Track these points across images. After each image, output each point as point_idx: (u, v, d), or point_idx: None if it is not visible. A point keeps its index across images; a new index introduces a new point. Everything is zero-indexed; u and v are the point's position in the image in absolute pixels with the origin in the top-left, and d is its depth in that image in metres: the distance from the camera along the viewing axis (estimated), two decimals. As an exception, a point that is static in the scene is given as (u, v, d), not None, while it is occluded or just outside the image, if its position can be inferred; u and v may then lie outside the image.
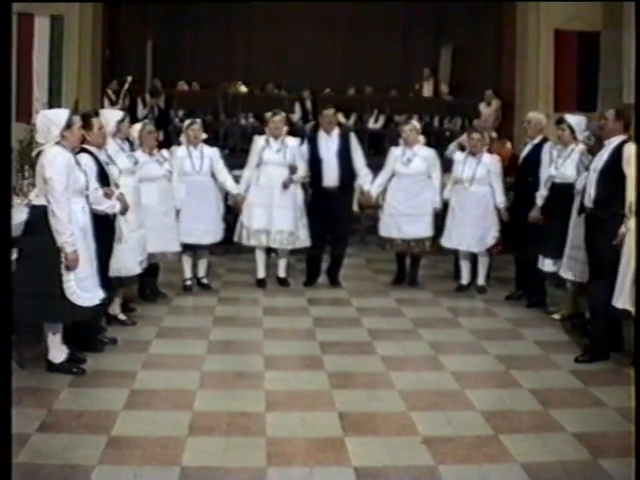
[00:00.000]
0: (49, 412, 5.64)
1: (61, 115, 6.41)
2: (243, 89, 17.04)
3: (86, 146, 6.79)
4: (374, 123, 16.64)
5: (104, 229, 6.77)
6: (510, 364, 7.00)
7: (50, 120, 6.32)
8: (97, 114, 7.36)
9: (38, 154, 6.28)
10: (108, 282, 6.87)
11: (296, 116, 16.14)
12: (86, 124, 6.67)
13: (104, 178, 6.87)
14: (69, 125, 6.29)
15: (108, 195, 6.78)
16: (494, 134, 10.12)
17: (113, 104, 15.42)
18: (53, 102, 13.67)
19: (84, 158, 6.64)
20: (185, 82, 17.02)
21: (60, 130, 6.23)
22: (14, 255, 5.99)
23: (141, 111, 15.80)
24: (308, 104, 16.51)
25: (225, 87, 16.76)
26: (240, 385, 6.37)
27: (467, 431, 5.49)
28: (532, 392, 6.28)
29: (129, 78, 15.87)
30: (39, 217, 6.14)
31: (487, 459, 5.05)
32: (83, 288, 6.24)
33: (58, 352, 6.42)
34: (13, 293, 5.81)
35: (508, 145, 9.73)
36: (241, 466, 4.86)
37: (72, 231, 6.11)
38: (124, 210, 7.03)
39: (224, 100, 16.04)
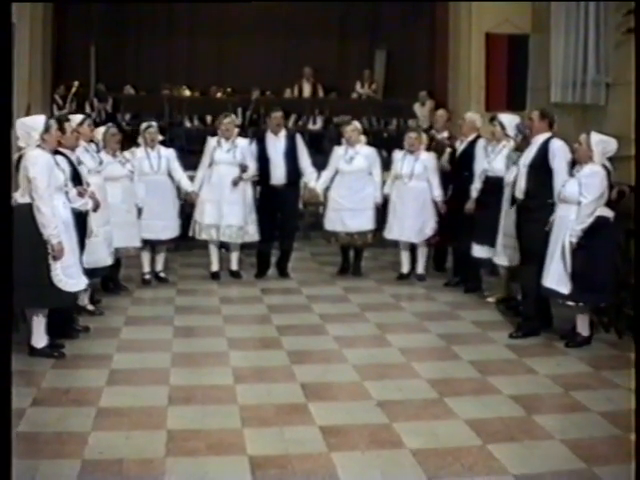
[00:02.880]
0: (38, 390, 6.22)
1: (38, 121, 7.04)
2: (187, 93, 17.50)
3: (59, 148, 7.34)
4: (313, 124, 17.20)
5: (77, 225, 7.33)
6: (450, 340, 7.74)
7: (29, 126, 6.95)
8: (68, 119, 7.87)
9: (20, 157, 6.86)
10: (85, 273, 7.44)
11: (238, 120, 16.59)
12: (60, 128, 7.23)
13: (76, 178, 7.44)
14: (47, 129, 6.90)
15: (81, 194, 7.37)
16: (445, 134, 10.78)
17: (60, 109, 15.77)
18: (4, 107, 14.02)
19: (58, 159, 7.20)
20: (131, 86, 17.39)
21: (40, 134, 6.83)
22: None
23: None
24: (251, 107, 16.96)
25: (169, 91, 17.17)
26: (208, 363, 7.02)
27: (415, 395, 6.24)
28: (471, 363, 7.03)
29: (76, 83, 16.24)
30: (25, 213, 6.71)
31: (434, 417, 5.80)
32: (68, 275, 6.86)
33: (40, 337, 6.99)
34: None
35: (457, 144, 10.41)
36: (220, 428, 5.51)
37: (56, 224, 6.71)
38: (96, 207, 7.63)
39: (169, 104, 16.47)
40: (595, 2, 12.24)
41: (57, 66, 16.74)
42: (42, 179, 6.70)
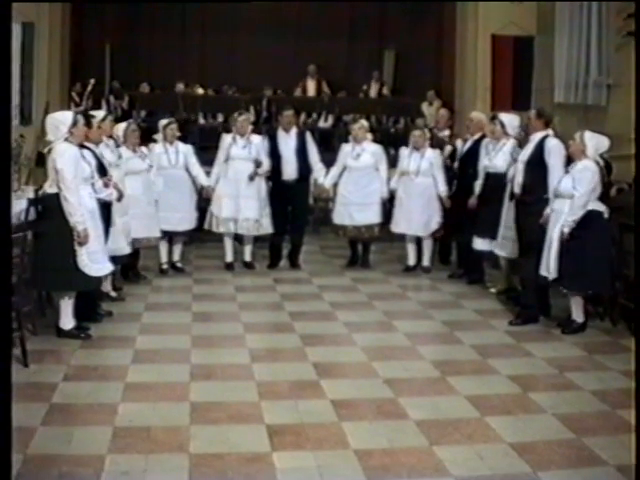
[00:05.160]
0: (68, 367, 6.68)
1: (67, 116, 7.49)
2: (200, 91, 17.92)
3: (85, 143, 7.79)
4: (324, 122, 17.58)
5: (102, 215, 7.78)
6: (453, 327, 8.20)
7: (58, 120, 7.40)
8: (94, 115, 8.33)
9: (49, 150, 7.33)
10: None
11: (251, 117, 16.97)
12: (87, 123, 7.69)
13: (102, 170, 7.89)
14: (75, 123, 7.35)
15: (107, 184, 7.83)
16: (447, 132, 11.24)
17: (77, 106, 16.17)
18: (24, 104, 14.49)
19: (85, 153, 7.65)
20: (147, 84, 17.83)
21: (68, 128, 7.29)
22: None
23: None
24: (263, 105, 17.37)
25: (184, 86, 17.59)
26: (226, 344, 7.50)
27: (419, 374, 6.71)
28: (472, 347, 7.49)
29: (92, 80, 16.62)
30: (53, 203, 7.19)
31: (437, 393, 6.26)
32: (94, 261, 7.33)
33: (68, 320, 7.45)
34: (34, 268, 6.98)
35: (457, 142, 10.82)
36: (239, 401, 5.97)
37: (82, 212, 7.17)
38: (120, 197, 8.10)
39: (184, 101, 16.90)
40: (597, 6, 12.66)
41: (74, 65, 17.21)
42: (69, 170, 7.15)
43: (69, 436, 5.23)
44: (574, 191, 7.66)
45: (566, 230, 7.67)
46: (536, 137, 8.23)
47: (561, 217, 7.76)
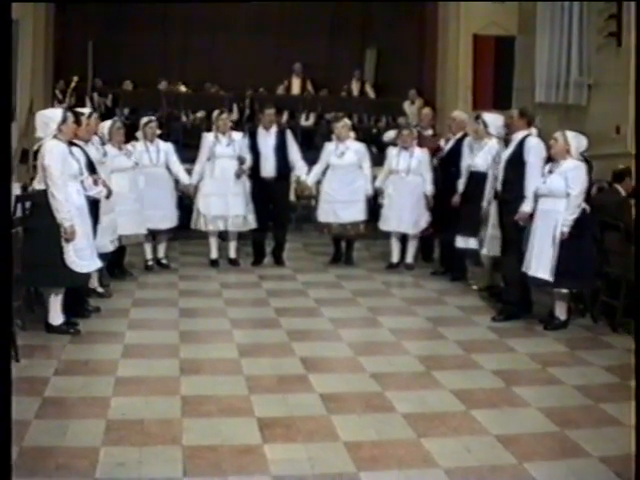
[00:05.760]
0: (59, 362, 6.74)
1: (56, 113, 7.58)
2: (183, 89, 17.98)
3: (75, 140, 7.86)
4: (305, 120, 17.70)
5: (90, 212, 7.85)
6: (437, 322, 8.33)
7: (48, 117, 7.47)
8: (82, 112, 8.40)
9: (39, 147, 7.40)
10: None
11: (234, 115, 17.04)
12: (76, 120, 7.76)
13: (91, 167, 7.97)
14: (64, 120, 7.42)
15: (96, 182, 7.90)
16: (430, 132, 11.37)
17: (60, 103, 16.18)
18: (8, 101, 14.48)
19: (73, 150, 7.72)
20: (130, 82, 17.88)
21: (57, 124, 7.36)
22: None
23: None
24: (246, 103, 17.45)
25: (167, 84, 17.66)
26: (214, 340, 7.59)
27: (405, 368, 6.83)
28: (456, 342, 7.61)
29: (75, 78, 16.64)
30: (41, 199, 7.26)
31: (423, 387, 6.38)
32: (81, 257, 7.40)
33: (57, 315, 7.52)
34: (23, 264, 7.03)
35: (441, 142, 10.96)
36: (229, 394, 6.07)
37: (69, 209, 7.23)
38: (108, 195, 8.17)
39: (167, 99, 16.95)
40: (578, 6, 12.81)
41: (58, 62, 17.22)
42: (56, 167, 7.21)
43: (63, 429, 5.31)
44: (569, 190, 7.78)
45: (565, 230, 7.76)
46: (518, 136, 8.37)
47: (554, 216, 7.85)
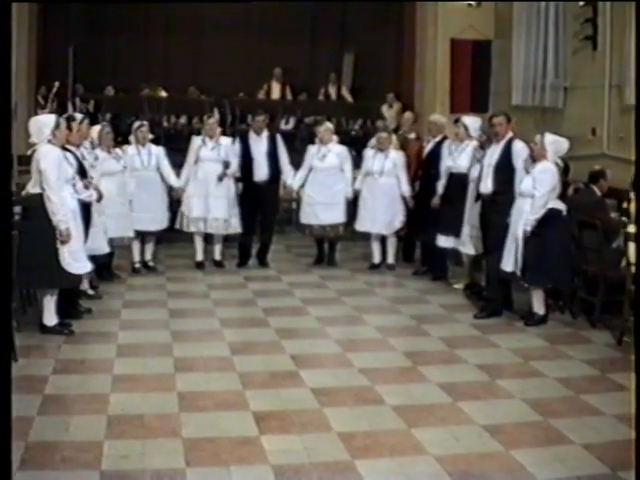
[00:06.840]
0: (56, 361, 6.93)
1: (50, 118, 7.75)
2: (163, 94, 18.10)
3: (66, 145, 8.04)
4: (285, 125, 17.85)
5: (83, 215, 8.04)
6: (421, 320, 8.58)
7: (42, 123, 7.66)
8: (74, 118, 8.59)
9: (33, 152, 7.57)
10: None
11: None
12: (68, 126, 7.95)
13: (82, 171, 8.15)
14: (57, 126, 7.61)
15: (87, 186, 8.09)
16: (413, 135, 11.60)
17: (43, 109, 16.28)
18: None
19: (67, 155, 7.90)
20: (112, 87, 18.00)
21: (51, 130, 7.54)
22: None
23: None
24: (227, 107, 17.57)
25: (148, 90, 17.78)
26: (205, 339, 7.80)
27: (392, 364, 7.09)
28: (440, 339, 7.87)
29: (56, 83, 16.70)
30: (36, 203, 7.43)
31: (410, 381, 6.64)
32: (75, 259, 7.60)
33: (51, 316, 7.70)
34: (18, 266, 7.18)
35: (424, 144, 11.17)
36: (224, 390, 6.30)
37: (64, 212, 7.42)
38: (99, 198, 8.36)
39: (149, 104, 17.07)
40: (554, 10, 13.05)
41: (40, 67, 17.24)
42: (52, 172, 7.40)
43: (66, 424, 5.51)
44: (534, 191, 8.08)
45: (528, 229, 8.08)
46: (503, 140, 8.63)
47: (522, 215, 8.15)
